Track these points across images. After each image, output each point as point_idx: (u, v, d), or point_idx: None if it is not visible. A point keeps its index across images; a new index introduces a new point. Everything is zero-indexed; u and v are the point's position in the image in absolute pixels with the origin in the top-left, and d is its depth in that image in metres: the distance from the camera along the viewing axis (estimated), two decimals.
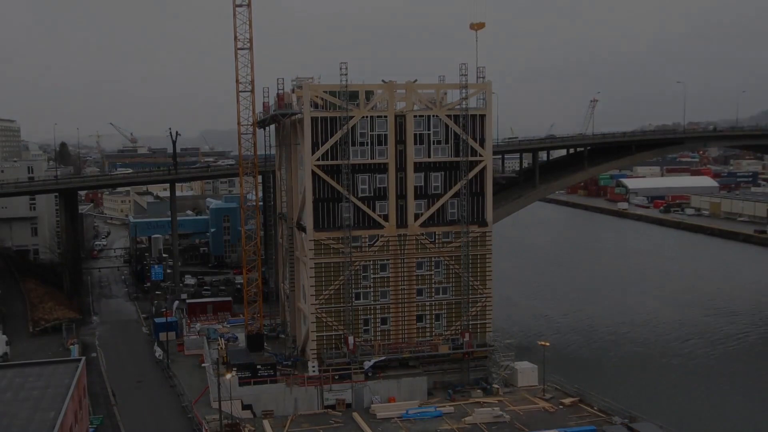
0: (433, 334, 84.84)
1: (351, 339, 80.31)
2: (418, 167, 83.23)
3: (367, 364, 78.70)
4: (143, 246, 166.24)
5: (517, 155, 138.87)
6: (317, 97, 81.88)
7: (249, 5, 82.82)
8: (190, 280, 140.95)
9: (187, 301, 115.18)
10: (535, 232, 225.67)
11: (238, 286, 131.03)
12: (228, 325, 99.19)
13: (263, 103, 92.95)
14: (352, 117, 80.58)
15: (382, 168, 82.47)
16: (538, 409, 74.10)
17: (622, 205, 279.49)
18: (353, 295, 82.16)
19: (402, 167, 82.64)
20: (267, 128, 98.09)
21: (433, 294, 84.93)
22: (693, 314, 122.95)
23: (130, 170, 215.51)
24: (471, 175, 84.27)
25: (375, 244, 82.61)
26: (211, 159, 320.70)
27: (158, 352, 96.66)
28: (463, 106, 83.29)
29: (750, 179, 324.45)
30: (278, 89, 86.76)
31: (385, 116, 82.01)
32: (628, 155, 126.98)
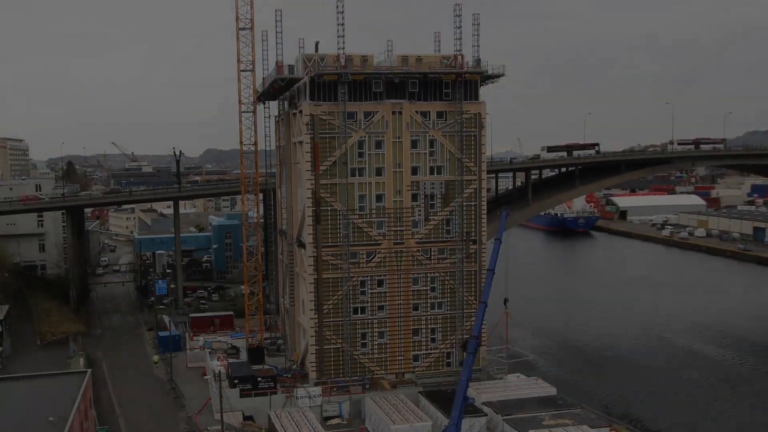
0: (429, 347, 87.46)
1: None
2: (415, 185, 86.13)
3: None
4: (148, 262, 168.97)
5: (511, 174, 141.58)
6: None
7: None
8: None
9: (191, 315, 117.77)
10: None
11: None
12: (230, 338, 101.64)
13: (263, 78, 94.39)
14: (351, 136, 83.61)
15: (380, 186, 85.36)
16: None
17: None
18: (351, 310, 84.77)
19: (399, 185, 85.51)
20: (267, 105, 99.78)
21: (428, 309, 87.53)
22: None
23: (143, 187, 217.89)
24: (466, 193, 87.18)
25: (372, 260, 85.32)
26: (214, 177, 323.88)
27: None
28: (459, 126, 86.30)
29: None
30: (277, 57, 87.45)
31: (383, 136, 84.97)
32: (618, 174, 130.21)
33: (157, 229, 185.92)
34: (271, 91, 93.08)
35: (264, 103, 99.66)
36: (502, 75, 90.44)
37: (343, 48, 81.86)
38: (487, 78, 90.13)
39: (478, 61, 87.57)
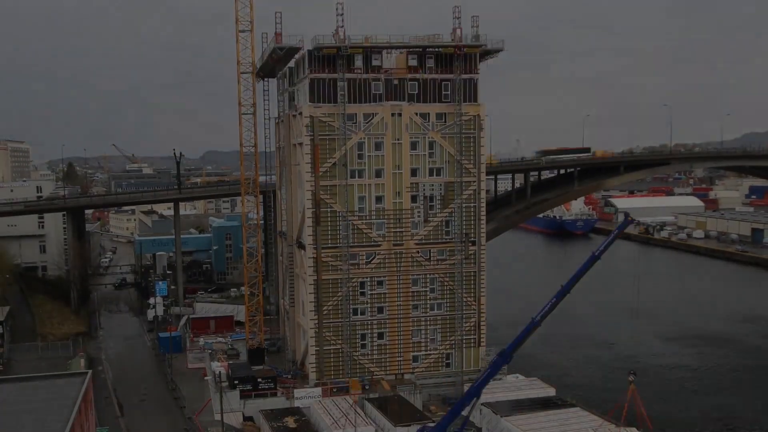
0: (428, 348, 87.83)
1: None
2: (414, 187, 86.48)
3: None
4: (148, 263, 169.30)
5: (510, 175, 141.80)
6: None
7: None
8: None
9: (191, 316, 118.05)
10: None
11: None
12: (231, 340, 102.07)
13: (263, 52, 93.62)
14: (350, 138, 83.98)
15: (379, 187, 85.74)
16: None
17: None
18: (351, 311, 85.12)
19: (398, 186, 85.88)
20: (267, 81, 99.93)
21: (428, 310, 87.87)
22: None
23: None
24: (465, 194, 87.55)
25: (372, 261, 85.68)
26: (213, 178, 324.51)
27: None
28: (458, 128, 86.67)
29: None
30: (276, 25, 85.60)
31: (383, 137, 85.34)
32: (617, 175, 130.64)
33: (157, 231, 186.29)
34: (270, 63, 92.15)
35: (263, 79, 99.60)
36: (501, 50, 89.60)
37: (343, 27, 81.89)
38: (486, 53, 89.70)
39: (477, 37, 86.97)
